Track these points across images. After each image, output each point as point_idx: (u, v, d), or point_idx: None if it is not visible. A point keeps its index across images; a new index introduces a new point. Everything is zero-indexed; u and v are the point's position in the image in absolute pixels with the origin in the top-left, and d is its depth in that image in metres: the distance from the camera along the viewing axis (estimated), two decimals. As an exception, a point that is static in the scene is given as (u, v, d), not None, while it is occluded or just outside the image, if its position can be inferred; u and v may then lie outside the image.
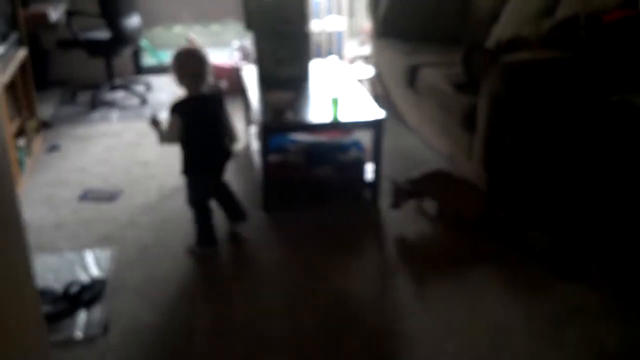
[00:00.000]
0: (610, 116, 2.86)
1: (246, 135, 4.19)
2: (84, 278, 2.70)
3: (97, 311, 2.50)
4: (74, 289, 2.58)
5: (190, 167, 2.83)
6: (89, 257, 2.88)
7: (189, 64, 2.75)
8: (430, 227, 3.16)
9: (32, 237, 2.76)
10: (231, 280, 2.74)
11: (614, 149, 2.86)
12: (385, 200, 3.34)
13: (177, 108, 2.73)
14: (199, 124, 2.76)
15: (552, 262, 2.80)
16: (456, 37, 4.62)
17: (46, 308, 2.46)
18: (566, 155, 3.11)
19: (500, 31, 4.08)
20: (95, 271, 2.77)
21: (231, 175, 3.71)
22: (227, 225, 3.10)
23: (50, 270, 2.77)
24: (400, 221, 3.20)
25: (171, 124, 2.73)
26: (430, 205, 3.25)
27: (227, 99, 2.91)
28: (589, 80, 3.06)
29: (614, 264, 2.80)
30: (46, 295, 2.54)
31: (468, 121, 3.28)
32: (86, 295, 2.56)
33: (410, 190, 3.18)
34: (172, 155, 4.01)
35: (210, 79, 2.83)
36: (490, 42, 3.98)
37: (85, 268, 2.79)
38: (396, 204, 3.19)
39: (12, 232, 1.66)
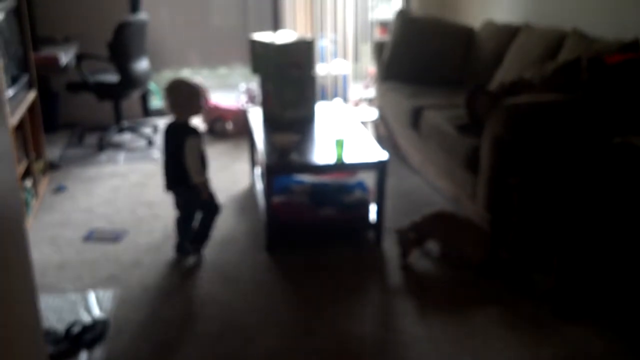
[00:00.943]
0: (612, 158, 2.85)
1: (251, 175, 4.20)
2: (86, 319, 2.68)
3: (99, 352, 2.48)
4: (76, 330, 2.56)
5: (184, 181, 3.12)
6: (92, 297, 2.86)
7: (176, 94, 3.04)
8: (434, 268, 3.14)
9: (36, 277, 2.74)
10: (235, 321, 2.71)
11: (616, 190, 2.85)
12: (388, 241, 3.32)
13: (191, 131, 3.08)
14: (166, 147, 3.13)
15: (555, 304, 2.77)
16: (459, 80, 4.67)
17: (48, 348, 2.44)
18: (569, 196, 3.09)
19: (503, 74, 4.12)
20: (97, 312, 2.75)
21: (235, 215, 3.71)
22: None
23: (53, 310, 2.75)
24: (404, 263, 3.17)
25: (196, 146, 3.06)
26: (433, 247, 3.24)
27: (201, 137, 3.09)
28: (591, 122, 3.07)
29: (617, 305, 2.77)
30: (49, 335, 2.52)
31: (471, 163, 3.28)
32: (88, 335, 2.54)
33: (416, 237, 3.15)
34: (178, 196, 4.02)
35: (193, 113, 3.10)
36: (494, 85, 4.01)
37: (88, 309, 2.77)
38: (406, 253, 3.17)
39: (21, 274, 1.66)
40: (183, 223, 3.25)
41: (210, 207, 3.20)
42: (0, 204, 1.50)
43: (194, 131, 3.05)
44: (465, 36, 4.87)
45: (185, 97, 3.04)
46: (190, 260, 3.22)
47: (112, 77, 4.99)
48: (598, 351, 2.47)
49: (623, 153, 2.80)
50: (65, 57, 4.68)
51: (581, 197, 3.06)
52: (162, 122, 5.79)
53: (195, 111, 3.10)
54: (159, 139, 5.32)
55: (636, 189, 2.75)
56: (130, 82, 4.96)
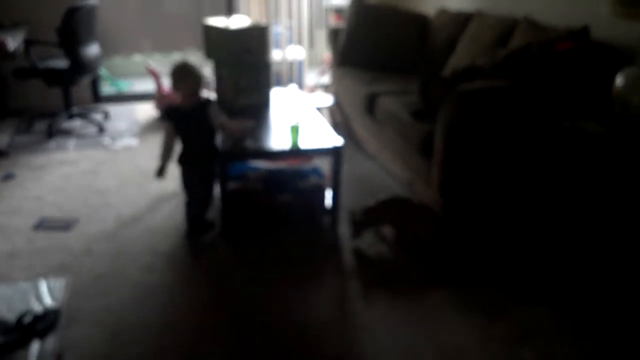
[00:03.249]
0: (561, 141, 2.92)
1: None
2: (38, 308, 2.64)
3: (51, 341, 2.44)
4: (28, 319, 2.51)
5: (182, 158, 3.16)
6: (43, 286, 2.82)
7: (189, 77, 3.07)
8: (389, 252, 3.18)
9: (-16, 266, 2.69)
10: (188, 309, 2.70)
11: (566, 173, 2.92)
12: (345, 226, 3.35)
13: (170, 114, 3.13)
14: (188, 127, 3.12)
15: (507, 286, 2.83)
16: (414, 67, 4.71)
17: (-2, 339, 2.39)
18: (520, 179, 3.16)
19: (456, 61, 4.17)
20: (49, 301, 2.71)
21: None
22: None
23: (3, 300, 2.70)
24: (359, 247, 3.21)
25: (165, 127, 3.12)
26: (388, 231, 3.28)
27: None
28: (541, 107, 3.13)
29: (568, 285, 2.85)
30: (-2, 326, 2.48)
31: (425, 148, 3.32)
32: (40, 325, 2.50)
33: (367, 219, 3.20)
34: (130, 184, 3.99)
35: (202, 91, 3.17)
36: (447, 71, 4.06)
37: (39, 298, 2.73)
38: (356, 234, 3.21)
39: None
40: (205, 201, 3.27)
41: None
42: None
43: (208, 104, 3.13)
44: (420, 23, 4.92)
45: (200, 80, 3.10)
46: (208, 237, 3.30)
47: (62, 63, 4.89)
48: (550, 331, 2.54)
49: (572, 137, 2.87)
50: (13, 42, 4.56)
51: (532, 180, 3.13)
52: (113, 109, 5.72)
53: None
54: (110, 126, 5.25)
55: (584, 171, 2.82)
56: (80, 67, 4.87)
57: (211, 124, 3.13)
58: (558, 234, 3.01)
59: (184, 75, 3.06)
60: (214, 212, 3.44)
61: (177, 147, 3.15)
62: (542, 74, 3.13)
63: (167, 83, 5.51)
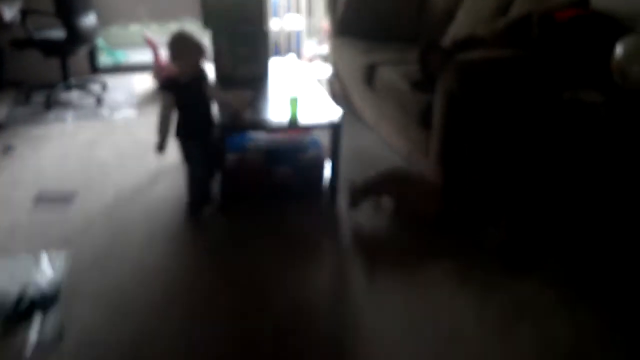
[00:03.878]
0: (561, 112, 2.92)
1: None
2: (39, 280, 2.66)
3: (53, 315, 2.47)
4: (29, 292, 2.54)
5: (180, 131, 3.14)
6: (44, 259, 2.83)
7: (189, 48, 3.00)
8: (388, 224, 3.19)
9: (-15, 240, 2.70)
10: (188, 284, 2.71)
11: (566, 144, 2.92)
12: (344, 199, 3.36)
13: (169, 85, 3.05)
14: (187, 99, 3.07)
15: (506, 257, 2.85)
16: (413, 37, 4.67)
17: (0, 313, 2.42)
18: (520, 151, 3.16)
19: (455, 30, 4.14)
20: (50, 273, 2.73)
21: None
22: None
23: (5, 273, 2.72)
24: (359, 219, 3.21)
25: (164, 99, 3.05)
26: (387, 203, 3.28)
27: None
28: (541, 77, 3.11)
29: (566, 259, 2.86)
30: (0, 299, 2.49)
31: (424, 119, 3.31)
32: (41, 298, 2.52)
33: (366, 189, 3.20)
34: (129, 156, 3.98)
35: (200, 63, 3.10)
36: (446, 41, 4.03)
37: (40, 271, 2.75)
38: (354, 204, 3.22)
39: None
40: (206, 179, 3.29)
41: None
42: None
43: (204, 76, 3.11)
44: (419, -9, 4.87)
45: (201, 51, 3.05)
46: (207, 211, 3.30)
47: (59, 33, 4.85)
48: (548, 302, 2.55)
49: (572, 108, 2.87)
50: (9, 12, 4.52)
51: (531, 151, 3.13)
52: (111, 80, 5.69)
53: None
54: (108, 97, 5.22)
55: (584, 142, 2.82)
56: (77, 38, 4.83)
57: (208, 96, 3.11)
58: (557, 205, 3.01)
59: (184, 45, 2.99)
60: (212, 186, 3.45)
61: (174, 120, 3.14)
62: (542, 44, 3.11)
63: (164, 53, 5.48)
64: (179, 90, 3.05)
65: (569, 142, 2.90)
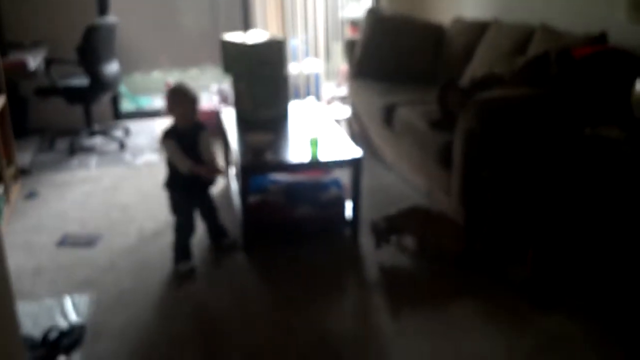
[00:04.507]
0: (582, 149, 2.90)
1: (226, 175, 4.20)
2: (63, 324, 2.66)
3: (77, 357, 2.46)
4: (53, 335, 2.54)
5: (171, 183, 3.14)
6: (68, 302, 2.84)
7: (183, 100, 3.02)
8: (411, 263, 3.16)
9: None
10: (213, 321, 2.71)
11: (587, 180, 2.90)
12: (366, 237, 3.34)
13: (170, 134, 3.05)
14: (183, 148, 3.04)
15: (531, 294, 2.81)
16: (431, 77, 4.71)
17: (25, 355, 2.41)
18: (541, 188, 3.14)
19: (473, 70, 4.16)
20: (74, 317, 2.73)
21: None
22: (211, 244, 3.38)
23: (29, 316, 2.73)
24: (381, 258, 3.20)
25: (170, 146, 3.03)
26: (410, 242, 3.27)
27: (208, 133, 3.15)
28: (561, 114, 3.11)
29: (592, 293, 2.82)
30: (25, 342, 2.50)
31: (444, 158, 3.31)
32: (65, 341, 2.52)
33: (388, 229, 3.19)
34: (151, 199, 4.01)
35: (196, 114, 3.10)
36: (464, 80, 4.05)
37: (64, 314, 2.75)
38: (378, 244, 3.21)
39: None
40: (212, 218, 3.34)
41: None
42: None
43: (202, 128, 3.12)
44: (435, 33, 4.92)
45: (194, 102, 3.05)
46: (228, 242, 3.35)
47: (82, 81, 4.95)
48: (574, 339, 2.51)
49: (593, 144, 2.85)
50: (34, 61, 4.63)
51: (553, 188, 3.11)
52: (134, 125, 5.77)
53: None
54: (130, 142, 5.29)
55: (605, 179, 2.80)
56: (100, 85, 4.93)
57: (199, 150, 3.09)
58: (582, 241, 2.98)
59: (178, 97, 3.02)
60: (235, 226, 3.46)
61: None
62: (561, 81, 3.11)
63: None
64: (178, 138, 3.04)
65: (591, 178, 2.88)
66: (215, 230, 3.36)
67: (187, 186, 3.11)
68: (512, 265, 3.08)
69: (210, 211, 3.31)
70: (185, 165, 3.01)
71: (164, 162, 3.11)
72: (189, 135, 3.06)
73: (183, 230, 3.17)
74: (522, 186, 3.18)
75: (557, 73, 3.14)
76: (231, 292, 2.93)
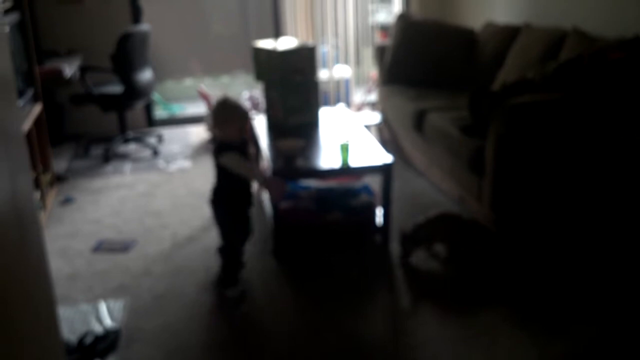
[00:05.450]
0: (619, 153, 2.87)
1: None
2: (98, 329, 2.70)
3: (112, 361, 2.49)
4: (89, 340, 2.57)
5: (219, 199, 2.95)
6: (103, 307, 2.88)
7: (237, 115, 2.85)
8: (442, 269, 3.14)
9: (47, 288, 2.75)
10: (245, 327, 2.72)
11: (621, 184, 2.86)
12: (395, 244, 3.33)
13: (226, 146, 2.84)
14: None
15: (563, 303, 2.77)
16: (462, 82, 4.68)
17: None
18: (574, 192, 3.10)
19: (505, 75, 4.13)
20: (109, 322, 2.76)
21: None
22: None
23: (65, 321, 2.77)
24: (411, 265, 3.18)
25: (236, 158, 2.83)
26: (440, 248, 3.25)
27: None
28: (594, 118, 3.07)
29: (628, 303, 2.77)
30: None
31: (476, 164, 3.29)
32: (101, 346, 2.56)
33: (417, 237, 3.17)
34: (185, 205, 4.05)
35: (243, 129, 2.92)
36: (496, 85, 4.03)
37: (99, 319, 2.79)
38: (406, 254, 3.19)
39: (41, 285, 1.67)
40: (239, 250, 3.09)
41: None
42: (19, 216, 1.51)
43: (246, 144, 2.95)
44: (466, 38, 4.89)
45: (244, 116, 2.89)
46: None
47: (116, 88, 5.02)
48: (610, 350, 2.47)
49: (631, 148, 2.81)
50: (69, 69, 4.71)
51: (586, 191, 3.07)
52: (167, 132, 5.83)
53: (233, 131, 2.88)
54: (164, 149, 5.35)
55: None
56: (134, 92, 4.99)
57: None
58: (616, 248, 2.94)
59: (228, 112, 2.86)
60: (266, 232, 3.48)
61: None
62: (594, 85, 3.08)
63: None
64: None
65: (628, 183, 2.84)
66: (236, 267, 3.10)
67: (236, 202, 2.97)
68: (545, 272, 3.04)
69: (247, 235, 3.12)
70: (257, 176, 2.91)
71: (215, 176, 2.93)
72: (238, 150, 2.87)
73: (234, 252, 3.03)
74: (554, 191, 3.15)
75: (590, 76, 3.10)
76: (262, 298, 2.95)
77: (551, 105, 3.11)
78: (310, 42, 5.78)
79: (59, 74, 4.56)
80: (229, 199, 2.95)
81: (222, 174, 2.91)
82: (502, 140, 3.09)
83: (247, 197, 2.99)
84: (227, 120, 2.85)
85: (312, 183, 3.59)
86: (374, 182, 3.59)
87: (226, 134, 2.86)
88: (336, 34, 6.09)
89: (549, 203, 3.19)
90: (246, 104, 5.75)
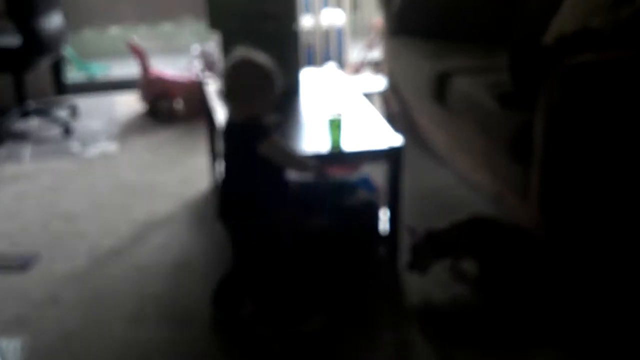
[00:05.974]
0: None
1: (212, 174, 4.20)
2: (-16, 378, 2.69)
3: None
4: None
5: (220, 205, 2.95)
6: (-8, 348, 2.87)
7: (268, 81, 2.82)
8: (469, 296, 3.15)
9: None
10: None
11: None
12: (407, 257, 3.34)
13: (265, 130, 2.79)
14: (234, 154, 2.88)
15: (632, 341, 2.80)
16: (499, 33, 4.68)
17: None
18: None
19: (561, 23, 4.14)
20: (0, 368, 2.75)
21: (191, 229, 3.72)
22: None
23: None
24: (427, 287, 3.19)
25: (280, 145, 2.82)
26: (470, 266, 3.25)
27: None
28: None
29: None
30: None
31: (520, 147, 3.30)
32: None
33: (437, 247, 3.17)
34: (108, 205, 4.03)
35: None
36: (549, 38, 4.04)
37: (-14, 364, 2.78)
38: (415, 265, 3.18)
39: None
40: (240, 281, 3.04)
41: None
42: None
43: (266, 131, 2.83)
44: (506, -28, 4.91)
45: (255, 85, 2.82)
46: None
47: (11, 40, 4.97)
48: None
49: None
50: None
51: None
52: (84, 102, 5.80)
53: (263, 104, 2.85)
54: (79, 126, 5.31)
55: None
56: (36, 45, 4.95)
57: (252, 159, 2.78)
58: None
59: (265, 78, 2.81)
60: (218, 244, 3.47)
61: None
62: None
63: (155, 63, 5.57)
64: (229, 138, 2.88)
65: None
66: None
67: (239, 214, 2.90)
68: (610, 297, 3.06)
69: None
70: (312, 165, 2.95)
71: (240, 177, 2.87)
72: (244, 136, 2.78)
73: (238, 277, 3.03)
74: (628, 187, 3.16)
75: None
76: (216, 338, 2.95)
77: (625, 65, 3.12)
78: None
79: None
80: (277, 206, 2.90)
81: (260, 171, 2.80)
82: (557, 113, 3.09)
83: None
84: (266, 89, 2.81)
85: (291, 175, 3.59)
86: (377, 173, 3.58)
87: (262, 109, 2.82)
88: (324, -34, 6.09)
89: (620, 203, 3.20)
90: (196, 63, 5.73)
